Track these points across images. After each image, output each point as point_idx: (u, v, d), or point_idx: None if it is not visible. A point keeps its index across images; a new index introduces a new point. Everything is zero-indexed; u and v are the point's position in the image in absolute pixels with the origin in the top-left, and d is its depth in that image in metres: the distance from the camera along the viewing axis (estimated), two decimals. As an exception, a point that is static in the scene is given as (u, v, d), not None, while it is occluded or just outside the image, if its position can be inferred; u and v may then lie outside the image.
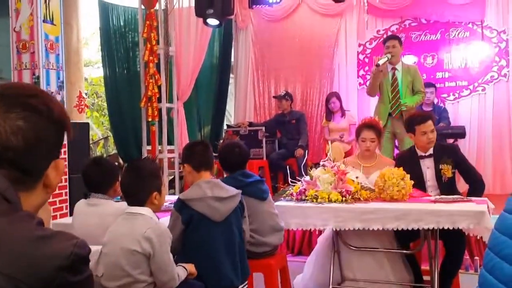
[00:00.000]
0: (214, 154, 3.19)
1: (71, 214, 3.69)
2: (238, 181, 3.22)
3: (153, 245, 2.31)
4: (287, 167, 5.12)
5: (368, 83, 6.07)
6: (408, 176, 3.40)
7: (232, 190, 2.92)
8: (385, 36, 7.19)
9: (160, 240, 2.34)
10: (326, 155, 3.82)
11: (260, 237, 3.25)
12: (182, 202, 2.80)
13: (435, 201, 3.32)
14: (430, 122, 3.85)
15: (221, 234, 2.81)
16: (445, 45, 7.23)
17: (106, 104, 8.72)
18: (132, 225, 2.37)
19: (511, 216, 1.47)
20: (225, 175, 3.52)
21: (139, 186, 2.44)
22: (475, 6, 7.01)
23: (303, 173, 3.81)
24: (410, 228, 3.15)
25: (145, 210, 2.41)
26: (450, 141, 6.27)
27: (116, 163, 8.09)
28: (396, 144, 5.57)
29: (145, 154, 6.38)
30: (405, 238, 3.61)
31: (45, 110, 1.01)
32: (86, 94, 10.07)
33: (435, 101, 6.88)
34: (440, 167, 3.82)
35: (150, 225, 2.36)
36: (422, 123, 3.86)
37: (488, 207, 3.18)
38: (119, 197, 3.12)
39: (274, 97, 7.48)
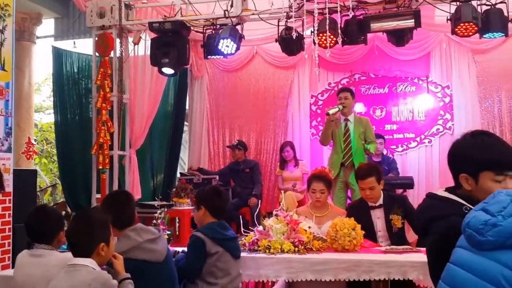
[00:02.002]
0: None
1: (13, 266, 3.50)
2: (217, 232, 3.19)
3: None
4: (240, 216, 5.09)
5: (320, 133, 6.21)
6: (359, 226, 3.44)
7: (156, 231, 2.89)
8: (336, 88, 7.44)
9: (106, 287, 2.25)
10: (280, 204, 3.83)
11: None
12: None
13: (385, 252, 3.36)
14: (369, 180, 3.91)
15: (167, 273, 2.79)
16: (393, 99, 7.54)
17: (55, 151, 8.49)
18: (74, 278, 2.26)
19: (456, 268, 1.51)
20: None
21: (86, 236, 2.36)
22: (420, 62, 7.40)
23: (256, 222, 3.79)
24: (361, 279, 3.16)
25: (89, 262, 2.31)
26: (399, 191, 6.42)
27: (64, 212, 7.85)
28: (349, 194, 5.66)
29: (94, 203, 6.20)
30: (357, 289, 3.61)
31: None
32: (35, 140, 9.83)
33: (384, 152, 7.08)
34: (390, 217, 3.90)
35: (94, 275, 2.26)
36: (360, 180, 3.96)
37: (436, 257, 3.24)
38: (65, 247, 3.00)
39: (227, 146, 7.52)
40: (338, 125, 5.60)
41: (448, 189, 1.96)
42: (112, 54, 6.39)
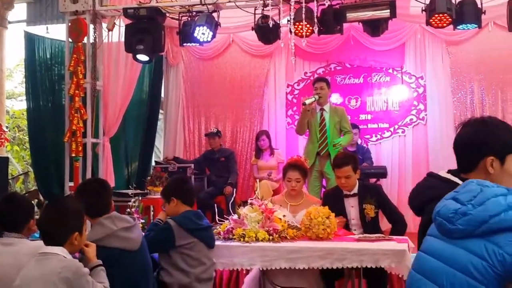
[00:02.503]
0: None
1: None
2: (192, 222, 3.20)
3: (72, 284, 2.19)
4: (215, 205, 5.10)
5: (296, 122, 6.24)
6: (333, 214, 3.48)
7: (131, 220, 2.89)
8: (312, 78, 7.46)
9: (78, 276, 2.23)
10: (255, 193, 3.84)
11: (196, 283, 3.19)
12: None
13: (358, 240, 3.41)
14: (345, 169, 3.95)
15: (141, 262, 2.77)
16: (368, 89, 7.60)
17: (28, 138, 8.33)
18: (44, 266, 2.23)
19: (427, 256, 1.53)
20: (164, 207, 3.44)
21: (60, 225, 2.33)
22: (395, 52, 7.46)
23: (231, 211, 3.79)
24: (334, 267, 3.20)
25: (60, 250, 2.29)
26: (373, 180, 6.50)
27: (36, 200, 7.73)
28: (324, 183, 5.71)
29: (67, 191, 6.12)
30: (330, 277, 3.66)
31: None
32: (7, 127, 9.61)
33: (359, 141, 7.15)
34: (364, 206, 3.95)
35: (64, 263, 2.23)
36: (337, 168, 4.00)
37: (408, 246, 3.30)
38: (37, 235, 2.96)
39: (206, 135, 7.46)
40: (314, 115, 5.63)
41: (450, 171, 1.94)
42: (85, 40, 6.28)
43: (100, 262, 2.48)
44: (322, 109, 5.66)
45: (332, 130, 5.58)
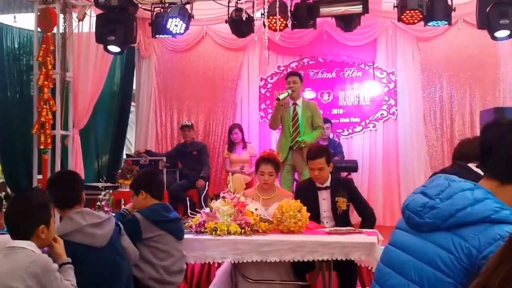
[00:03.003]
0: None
1: None
2: (159, 214, 3.16)
3: (40, 279, 2.15)
4: (188, 198, 5.06)
5: (270, 116, 6.25)
6: (305, 208, 3.50)
7: (103, 215, 2.86)
8: (285, 72, 7.47)
9: (46, 271, 2.19)
10: (227, 187, 3.84)
11: (167, 276, 3.17)
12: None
13: (329, 233, 3.44)
14: (319, 161, 3.99)
15: (108, 259, 2.71)
16: (340, 83, 7.66)
17: (-6, 130, 8.14)
18: (13, 261, 2.18)
19: (395, 249, 1.56)
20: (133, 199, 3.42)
21: (25, 218, 2.28)
22: (367, 48, 7.54)
23: (203, 204, 3.79)
24: (305, 260, 3.23)
25: (28, 244, 2.24)
26: (344, 174, 6.57)
27: (4, 193, 7.56)
28: (296, 177, 5.74)
29: (35, 184, 6.00)
30: (301, 270, 3.69)
31: None
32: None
33: (331, 136, 7.21)
34: (336, 199, 4.00)
35: (33, 257, 2.19)
36: (310, 160, 4.04)
37: (378, 238, 3.35)
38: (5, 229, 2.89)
39: (181, 127, 7.35)
40: (287, 109, 5.65)
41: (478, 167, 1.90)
42: (55, 30, 6.15)
43: (69, 259, 2.44)
44: (295, 104, 5.68)
45: (305, 125, 5.61)
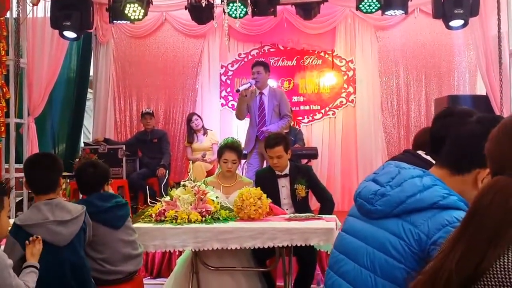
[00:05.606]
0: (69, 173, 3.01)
1: None
2: (93, 206, 2.97)
3: None
4: (148, 186, 5.02)
5: (230, 103, 6.25)
6: (265, 195, 3.54)
7: (76, 210, 2.72)
8: (246, 59, 7.47)
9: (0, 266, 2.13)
10: (188, 175, 3.82)
11: (110, 267, 3.01)
12: (19, 228, 2.54)
13: (289, 219, 3.49)
14: (277, 149, 4.04)
15: (67, 259, 2.63)
16: (300, 71, 7.72)
17: None
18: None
19: (348, 236, 1.60)
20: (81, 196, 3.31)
21: None
22: (326, 36, 7.61)
23: (163, 193, 3.76)
24: (266, 246, 3.27)
25: None
26: (304, 161, 6.64)
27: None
28: (265, 164, 5.75)
29: (-11, 174, 5.82)
30: (262, 256, 3.74)
31: None
32: None
33: (291, 123, 7.26)
34: (295, 186, 4.06)
35: None
36: (269, 148, 4.08)
37: (336, 224, 3.42)
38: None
39: (142, 114, 7.20)
40: (253, 98, 5.64)
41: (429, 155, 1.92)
42: (8, 15, 5.94)
43: (37, 264, 2.39)
44: (261, 93, 5.67)
45: (271, 114, 5.61)
